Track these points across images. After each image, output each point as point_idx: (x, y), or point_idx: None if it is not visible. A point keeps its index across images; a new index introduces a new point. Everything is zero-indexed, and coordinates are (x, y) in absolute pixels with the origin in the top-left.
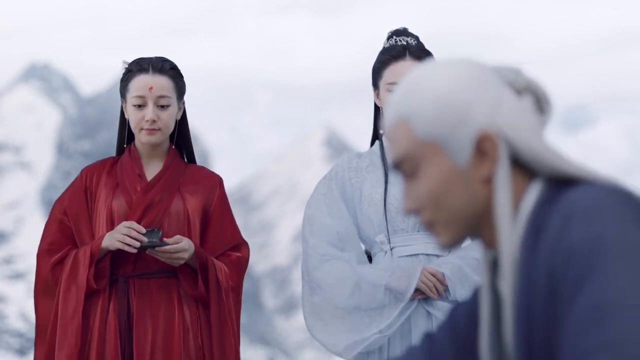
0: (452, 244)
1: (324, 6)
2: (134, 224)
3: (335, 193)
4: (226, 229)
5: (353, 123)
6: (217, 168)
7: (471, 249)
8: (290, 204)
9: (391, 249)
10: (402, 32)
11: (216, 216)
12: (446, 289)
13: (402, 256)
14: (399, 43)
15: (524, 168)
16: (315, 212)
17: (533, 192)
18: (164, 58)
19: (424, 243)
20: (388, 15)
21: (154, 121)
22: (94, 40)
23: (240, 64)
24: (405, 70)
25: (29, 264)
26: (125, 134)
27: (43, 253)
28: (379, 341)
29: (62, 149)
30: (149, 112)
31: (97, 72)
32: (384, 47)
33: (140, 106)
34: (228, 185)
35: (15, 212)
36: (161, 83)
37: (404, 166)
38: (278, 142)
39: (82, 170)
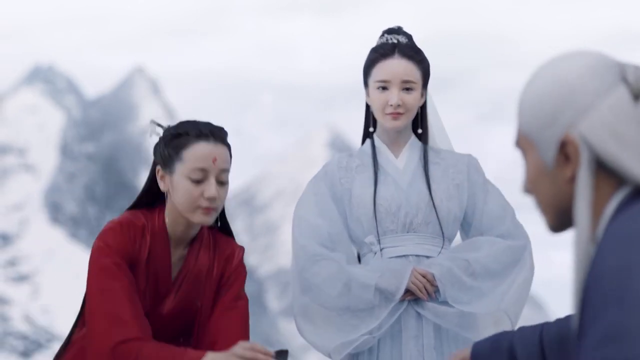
0: (554, 228)
1: (324, 6)
2: (258, 346)
3: (325, 193)
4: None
5: (354, 124)
6: None
7: (461, 250)
8: (294, 206)
9: (381, 250)
10: (393, 31)
11: (229, 283)
12: (436, 290)
13: (392, 257)
14: (390, 41)
15: (613, 175)
16: (304, 213)
17: (615, 201)
18: (219, 126)
19: (414, 244)
20: (388, 15)
21: (214, 199)
22: (94, 40)
23: (240, 64)
24: (394, 68)
25: (33, 266)
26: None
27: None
28: (368, 342)
29: (65, 151)
30: (211, 189)
31: (98, 73)
32: (374, 46)
33: (198, 181)
34: (232, 187)
35: (19, 214)
36: (224, 155)
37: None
38: (281, 143)
39: (123, 226)
